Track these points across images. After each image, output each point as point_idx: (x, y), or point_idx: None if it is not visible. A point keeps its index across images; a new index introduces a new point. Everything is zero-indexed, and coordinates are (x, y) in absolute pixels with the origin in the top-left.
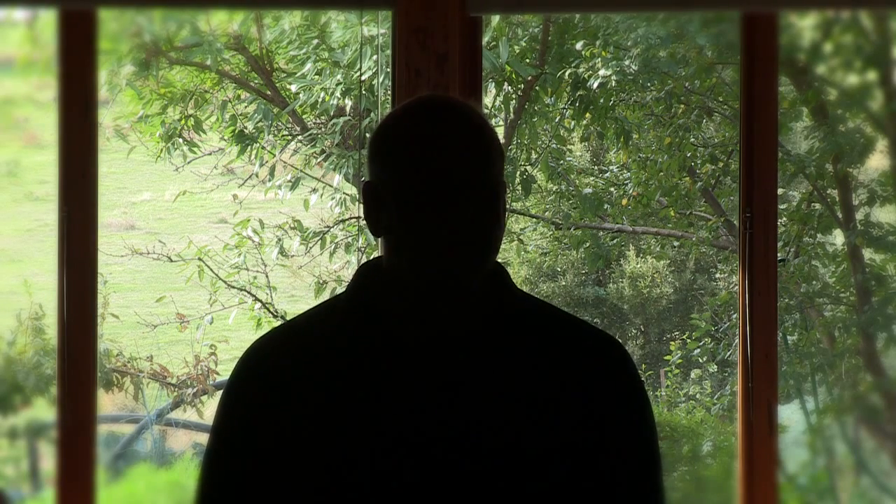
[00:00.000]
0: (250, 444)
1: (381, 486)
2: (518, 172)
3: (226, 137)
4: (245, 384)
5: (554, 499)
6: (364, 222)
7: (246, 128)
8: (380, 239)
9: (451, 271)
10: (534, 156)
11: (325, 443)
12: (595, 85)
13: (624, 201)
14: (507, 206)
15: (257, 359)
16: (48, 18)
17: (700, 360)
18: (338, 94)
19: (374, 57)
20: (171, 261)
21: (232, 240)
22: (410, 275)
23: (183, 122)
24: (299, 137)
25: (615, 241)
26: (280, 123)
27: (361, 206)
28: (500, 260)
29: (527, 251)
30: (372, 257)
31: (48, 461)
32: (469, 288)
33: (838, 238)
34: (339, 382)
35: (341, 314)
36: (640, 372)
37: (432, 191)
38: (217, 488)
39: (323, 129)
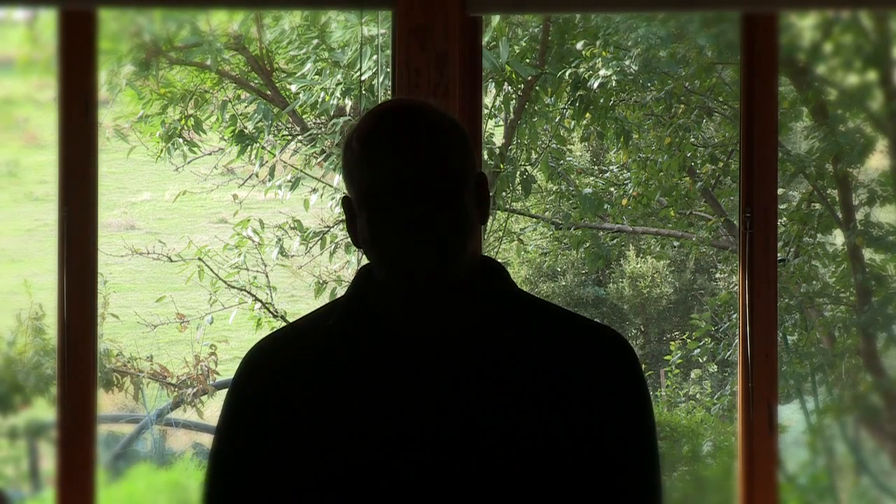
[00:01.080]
0: (254, 443)
1: (385, 484)
2: (518, 172)
3: (226, 137)
4: (248, 385)
5: (553, 494)
6: None
7: (246, 128)
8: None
9: (420, 270)
10: (534, 156)
11: (328, 442)
12: (595, 85)
13: (624, 201)
14: (507, 206)
15: (259, 360)
16: (48, 18)
17: (700, 360)
18: (338, 94)
19: (374, 57)
20: (171, 261)
21: (232, 240)
22: (387, 276)
23: (183, 122)
24: (299, 137)
25: (615, 241)
26: (280, 123)
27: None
28: (500, 260)
29: (527, 251)
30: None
31: (48, 461)
32: (449, 284)
33: (838, 238)
34: (340, 383)
35: (340, 315)
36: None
37: (386, 195)
38: (222, 489)
39: (323, 129)
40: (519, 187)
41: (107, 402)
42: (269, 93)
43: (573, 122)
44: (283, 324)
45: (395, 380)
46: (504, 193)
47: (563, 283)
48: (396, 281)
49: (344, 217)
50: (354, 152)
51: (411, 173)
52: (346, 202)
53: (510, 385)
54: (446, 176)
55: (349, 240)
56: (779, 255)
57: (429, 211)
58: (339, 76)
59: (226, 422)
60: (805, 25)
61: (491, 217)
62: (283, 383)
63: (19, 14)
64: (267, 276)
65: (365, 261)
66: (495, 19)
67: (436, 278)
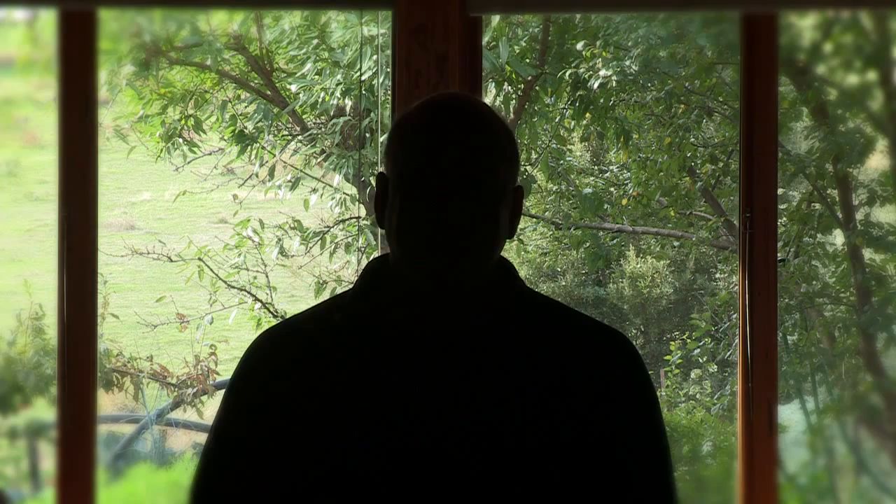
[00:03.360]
0: (252, 440)
1: (386, 482)
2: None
3: (226, 137)
4: (247, 380)
5: (563, 493)
6: (364, 222)
7: (246, 128)
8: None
9: (443, 271)
10: (534, 156)
11: (328, 439)
12: (595, 85)
13: (624, 201)
14: None
15: (260, 355)
16: (48, 18)
17: (700, 360)
18: (338, 94)
19: (374, 57)
20: (171, 261)
21: (232, 240)
22: (408, 270)
23: (183, 122)
24: (299, 137)
25: (615, 241)
26: (280, 123)
27: (373, 196)
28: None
29: (527, 251)
30: (377, 255)
31: (48, 461)
32: (466, 286)
33: (838, 238)
34: (342, 379)
35: (347, 311)
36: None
37: (428, 190)
38: (213, 487)
39: (323, 129)
40: None
41: (107, 402)
42: (269, 93)
43: (573, 122)
44: None
45: (402, 377)
46: None
47: (563, 283)
48: (414, 273)
49: (345, 216)
50: (406, 136)
51: (457, 172)
52: (380, 179)
53: (518, 384)
54: (490, 186)
55: (349, 239)
56: (779, 255)
57: (466, 219)
58: (339, 76)
59: (223, 419)
60: (805, 25)
61: None
62: (285, 380)
63: (19, 14)
64: (267, 276)
65: (365, 260)
66: (495, 19)
67: (456, 280)
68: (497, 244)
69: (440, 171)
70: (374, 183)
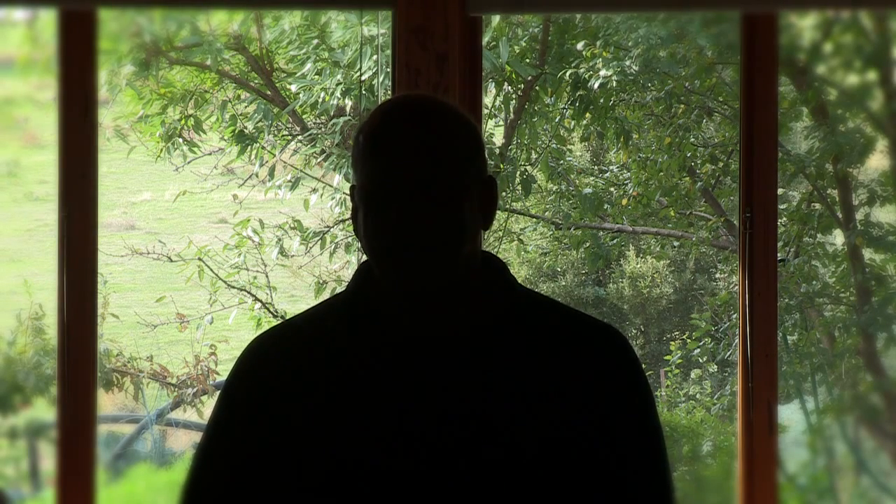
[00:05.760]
0: (245, 440)
1: (378, 483)
2: (518, 172)
3: (226, 137)
4: (242, 382)
5: (559, 491)
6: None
7: (246, 128)
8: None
9: (411, 272)
10: (534, 156)
11: (320, 441)
12: (595, 85)
13: (624, 201)
14: (507, 206)
15: (255, 357)
16: (48, 18)
17: (700, 360)
18: (338, 94)
19: (374, 57)
20: (171, 261)
21: (232, 240)
22: (383, 275)
23: (183, 122)
24: (299, 137)
25: (615, 241)
26: (280, 123)
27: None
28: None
29: (527, 251)
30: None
31: (48, 461)
32: (446, 283)
33: (838, 238)
34: (335, 381)
35: (339, 314)
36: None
37: (384, 192)
38: (206, 483)
39: (323, 129)
40: (519, 187)
41: (107, 402)
42: (269, 93)
43: (573, 122)
44: None
45: (397, 381)
46: (504, 193)
47: (563, 283)
48: (389, 278)
49: (345, 216)
50: (360, 145)
51: (410, 173)
52: (352, 191)
53: (513, 385)
54: (445, 179)
55: (349, 239)
56: (779, 255)
57: (424, 213)
58: (339, 76)
59: (217, 419)
60: (805, 25)
61: None
62: (279, 382)
63: (19, 14)
64: (267, 276)
65: (363, 260)
66: (495, 19)
67: (427, 279)
68: (463, 238)
69: (394, 173)
70: None
